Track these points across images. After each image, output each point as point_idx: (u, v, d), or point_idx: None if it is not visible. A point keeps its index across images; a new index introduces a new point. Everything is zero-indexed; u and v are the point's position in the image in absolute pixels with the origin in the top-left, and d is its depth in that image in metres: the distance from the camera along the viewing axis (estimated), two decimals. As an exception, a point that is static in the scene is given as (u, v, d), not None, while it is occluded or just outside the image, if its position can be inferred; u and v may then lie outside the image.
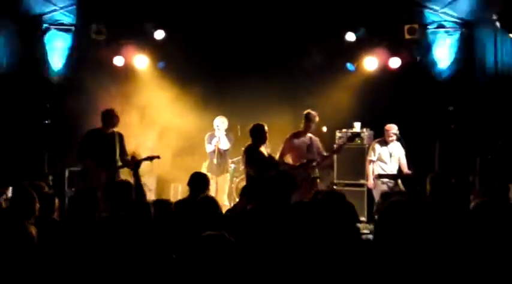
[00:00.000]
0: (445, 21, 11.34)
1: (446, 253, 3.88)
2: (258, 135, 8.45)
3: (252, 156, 8.29)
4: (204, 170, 10.12)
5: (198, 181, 6.65)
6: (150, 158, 8.79)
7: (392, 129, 9.61)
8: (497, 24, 9.84)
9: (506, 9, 9.59)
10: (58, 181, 10.24)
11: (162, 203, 5.16)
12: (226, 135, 10.17)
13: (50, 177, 10.17)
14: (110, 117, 8.62)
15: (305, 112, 9.22)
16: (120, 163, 8.59)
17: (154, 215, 4.88)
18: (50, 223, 5.09)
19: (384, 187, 9.36)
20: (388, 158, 9.74)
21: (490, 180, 9.20)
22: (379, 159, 9.78)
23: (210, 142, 10.21)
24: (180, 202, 5.92)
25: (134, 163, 7.65)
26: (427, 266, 3.64)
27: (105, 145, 8.49)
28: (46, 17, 11.34)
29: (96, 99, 10.75)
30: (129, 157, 8.52)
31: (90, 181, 8.24)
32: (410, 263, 3.63)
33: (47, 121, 10.87)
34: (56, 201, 5.63)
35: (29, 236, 3.46)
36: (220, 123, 10.14)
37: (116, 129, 8.73)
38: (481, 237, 3.92)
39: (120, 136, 8.71)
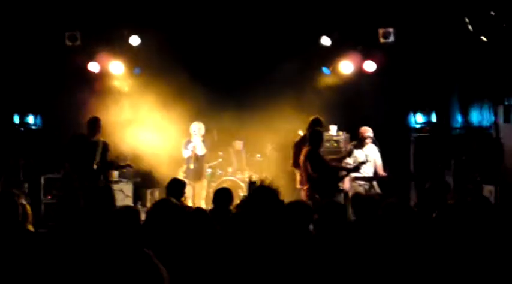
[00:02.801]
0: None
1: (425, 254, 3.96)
2: (317, 139, 8.61)
3: (315, 161, 8.38)
4: (181, 175, 10.11)
5: (175, 187, 6.68)
6: (122, 167, 8.91)
7: (367, 131, 9.67)
8: (469, 27, 9.96)
9: (478, 12, 9.71)
10: (34, 188, 10.19)
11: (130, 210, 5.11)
12: (202, 140, 10.17)
13: (26, 185, 10.13)
14: (94, 125, 8.66)
15: (314, 117, 9.32)
16: (97, 171, 8.60)
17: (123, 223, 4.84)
18: (24, 233, 5.03)
19: (360, 190, 9.40)
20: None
21: (465, 181, 9.31)
22: (355, 162, 9.81)
23: (186, 148, 10.22)
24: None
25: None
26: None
27: (86, 152, 8.51)
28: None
29: (73, 105, 10.72)
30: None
31: (68, 186, 8.28)
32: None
33: (22, 129, 10.81)
34: (29, 209, 5.59)
35: None
36: (197, 128, 10.16)
37: (100, 138, 8.75)
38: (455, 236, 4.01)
39: (105, 145, 8.75)
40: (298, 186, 8.90)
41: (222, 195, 6.44)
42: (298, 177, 9.07)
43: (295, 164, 9.17)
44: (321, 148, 8.73)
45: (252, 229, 4.61)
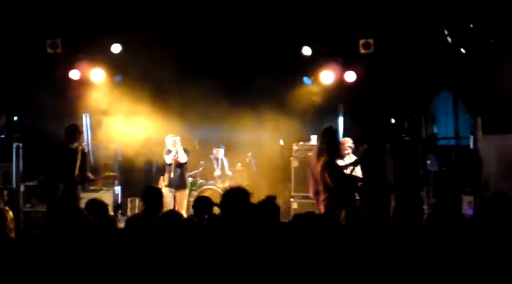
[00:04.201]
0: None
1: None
2: (335, 148, 8.41)
3: (333, 170, 8.19)
4: (162, 184, 10.09)
5: (151, 196, 6.65)
6: (107, 177, 8.93)
7: (347, 142, 9.70)
8: (448, 39, 10.09)
9: (457, 24, 9.85)
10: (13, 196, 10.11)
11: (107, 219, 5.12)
12: (184, 148, 10.13)
13: (5, 192, 10.06)
14: (73, 132, 8.62)
15: (327, 126, 9.07)
16: (78, 179, 8.57)
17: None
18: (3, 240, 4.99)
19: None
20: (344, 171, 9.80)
21: (444, 191, 9.40)
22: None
23: (168, 154, 10.14)
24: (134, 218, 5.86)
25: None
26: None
27: (66, 160, 8.47)
28: None
29: (53, 113, 10.67)
30: (89, 175, 8.68)
31: (47, 193, 8.24)
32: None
33: (2, 136, 10.74)
34: (10, 216, 5.56)
35: None
36: (172, 141, 10.02)
37: (78, 145, 8.72)
38: (434, 248, 4.05)
39: (83, 152, 8.71)
40: (311, 195, 8.79)
41: (201, 203, 6.49)
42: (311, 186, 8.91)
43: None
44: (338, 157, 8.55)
45: (227, 230, 4.68)
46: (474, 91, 10.02)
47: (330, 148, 8.34)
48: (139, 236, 4.81)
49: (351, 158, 9.65)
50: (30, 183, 9.80)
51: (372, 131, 11.12)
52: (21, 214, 9.69)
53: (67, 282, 3.96)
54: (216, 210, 6.64)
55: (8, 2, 10.34)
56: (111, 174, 9.64)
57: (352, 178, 8.49)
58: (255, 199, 5.47)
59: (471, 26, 9.74)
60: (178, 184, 9.93)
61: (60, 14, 10.69)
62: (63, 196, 7.95)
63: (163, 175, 10.34)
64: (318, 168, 8.39)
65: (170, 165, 9.94)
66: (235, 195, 5.52)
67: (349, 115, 11.31)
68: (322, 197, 8.14)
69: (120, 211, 11.13)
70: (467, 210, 8.67)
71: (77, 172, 8.52)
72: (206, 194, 10.72)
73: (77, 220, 5.52)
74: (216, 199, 10.49)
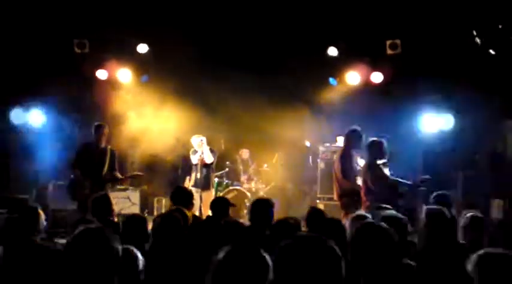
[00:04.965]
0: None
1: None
2: (378, 149, 8.11)
3: (377, 173, 7.95)
4: (188, 184, 10.12)
5: (181, 196, 6.67)
6: (134, 176, 8.98)
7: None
8: (477, 40, 9.99)
9: (485, 25, 9.74)
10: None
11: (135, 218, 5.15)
12: (210, 149, 10.14)
13: (34, 191, 10.19)
14: (102, 131, 8.70)
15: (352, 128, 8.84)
16: (107, 178, 8.65)
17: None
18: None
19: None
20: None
21: (472, 194, 9.30)
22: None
23: (194, 155, 10.17)
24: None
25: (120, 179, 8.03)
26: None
27: (95, 159, 8.57)
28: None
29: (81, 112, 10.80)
30: (118, 174, 8.76)
31: (76, 192, 8.33)
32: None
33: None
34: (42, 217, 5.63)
35: None
36: (199, 141, 10.06)
37: (108, 145, 8.80)
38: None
39: (112, 152, 8.79)
40: (335, 197, 8.71)
41: (219, 204, 6.47)
42: (335, 189, 8.83)
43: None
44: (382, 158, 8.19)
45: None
46: (503, 93, 9.92)
47: (373, 149, 8.07)
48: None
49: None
50: (60, 182, 9.87)
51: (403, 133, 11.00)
52: (49, 212, 9.78)
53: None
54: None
55: (38, 2, 10.43)
56: (138, 173, 9.70)
57: (395, 181, 8.09)
58: (281, 201, 5.50)
59: (500, 26, 9.63)
60: (204, 184, 9.94)
61: (87, 14, 10.78)
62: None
63: (189, 175, 10.38)
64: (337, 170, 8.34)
65: (196, 165, 9.97)
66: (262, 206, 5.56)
67: (376, 116, 11.18)
68: (364, 199, 7.92)
69: (146, 211, 11.19)
70: (496, 213, 8.60)
71: (105, 171, 8.60)
72: (232, 195, 10.81)
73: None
74: (242, 200, 10.64)
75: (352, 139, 8.52)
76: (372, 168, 7.97)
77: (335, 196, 8.76)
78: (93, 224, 3.13)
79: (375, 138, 8.22)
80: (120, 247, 2.93)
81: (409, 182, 8.25)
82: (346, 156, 8.43)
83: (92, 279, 2.80)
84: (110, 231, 2.96)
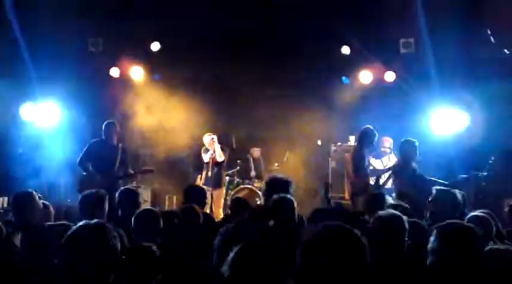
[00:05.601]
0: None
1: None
2: (412, 151, 7.94)
3: (404, 174, 7.84)
4: (199, 182, 10.12)
5: (193, 194, 6.67)
6: (144, 171, 8.97)
7: (387, 141, 9.60)
8: (491, 38, 9.92)
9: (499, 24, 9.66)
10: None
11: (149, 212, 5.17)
12: (221, 147, 10.15)
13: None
14: (112, 129, 8.73)
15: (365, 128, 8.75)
16: (119, 174, 8.67)
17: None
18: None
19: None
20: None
21: (484, 195, 9.21)
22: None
23: (206, 153, 10.18)
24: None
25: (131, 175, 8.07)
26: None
27: (106, 155, 8.59)
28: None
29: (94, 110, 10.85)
30: (129, 170, 8.77)
31: (87, 188, 8.33)
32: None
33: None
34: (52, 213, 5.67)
35: None
36: (209, 139, 10.08)
37: (119, 143, 8.83)
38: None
39: (123, 149, 8.82)
40: (347, 197, 8.69)
41: (238, 205, 6.45)
42: (347, 189, 8.79)
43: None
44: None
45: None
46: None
47: (407, 151, 7.87)
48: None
49: (389, 159, 9.56)
50: (72, 179, 9.91)
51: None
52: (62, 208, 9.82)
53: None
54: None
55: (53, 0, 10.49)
56: (149, 168, 9.70)
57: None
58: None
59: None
60: (215, 182, 9.95)
61: (101, 13, 10.82)
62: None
63: (200, 173, 10.39)
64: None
65: (208, 163, 9.98)
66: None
67: (389, 115, 11.11)
68: None
69: (158, 208, 11.19)
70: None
71: (117, 167, 8.63)
72: (243, 193, 10.80)
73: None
74: (253, 198, 10.63)
75: (366, 138, 8.48)
76: (401, 170, 7.81)
77: (346, 196, 8.75)
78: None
79: (408, 139, 8.01)
80: (118, 244, 2.95)
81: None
82: (359, 155, 8.41)
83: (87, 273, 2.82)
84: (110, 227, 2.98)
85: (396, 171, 7.99)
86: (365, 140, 8.48)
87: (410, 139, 7.99)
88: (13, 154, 10.73)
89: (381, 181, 8.36)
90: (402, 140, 8.04)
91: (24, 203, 5.38)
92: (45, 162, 10.53)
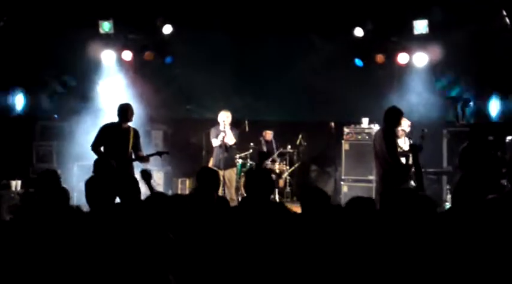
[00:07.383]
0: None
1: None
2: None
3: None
4: (210, 164, 10.09)
5: (207, 176, 6.61)
6: (160, 153, 8.90)
7: (405, 122, 9.43)
8: (507, 20, 9.79)
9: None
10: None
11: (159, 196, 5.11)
12: (231, 129, 10.07)
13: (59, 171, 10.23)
14: (125, 111, 8.66)
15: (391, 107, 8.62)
16: (132, 158, 8.65)
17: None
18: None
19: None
20: None
21: (498, 176, 9.10)
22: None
23: (215, 137, 10.11)
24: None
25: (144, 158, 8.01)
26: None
27: (119, 139, 8.54)
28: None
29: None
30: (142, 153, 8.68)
31: (101, 172, 8.32)
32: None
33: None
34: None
35: None
36: (225, 117, 10.03)
37: (131, 125, 8.78)
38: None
39: (136, 132, 8.76)
40: (377, 178, 8.62)
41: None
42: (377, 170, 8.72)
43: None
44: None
45: None
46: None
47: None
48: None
49: (405, 142, 9.44)
50: (83, 163, 9.92)
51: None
52: (74, 193, 9.85)
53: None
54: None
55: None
56: (163, 151, 9.61)
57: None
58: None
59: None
60: (226, 164, 9.87)
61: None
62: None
63: (212, 156, 10.36)
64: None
65: (220, 146, 9.92)
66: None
67: (402, 97, 11.02)
68: None
69: (170, 191, 11.21)
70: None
71: (130, 151, 8.60)
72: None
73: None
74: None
75: (393, 117, 8.38)
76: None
77: (377, 177, 8.61)
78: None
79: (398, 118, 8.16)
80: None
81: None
82: (389, 135, 8.29)
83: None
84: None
85: None
86: (393, 119, 8.37)
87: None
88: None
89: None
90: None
91: None
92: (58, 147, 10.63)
